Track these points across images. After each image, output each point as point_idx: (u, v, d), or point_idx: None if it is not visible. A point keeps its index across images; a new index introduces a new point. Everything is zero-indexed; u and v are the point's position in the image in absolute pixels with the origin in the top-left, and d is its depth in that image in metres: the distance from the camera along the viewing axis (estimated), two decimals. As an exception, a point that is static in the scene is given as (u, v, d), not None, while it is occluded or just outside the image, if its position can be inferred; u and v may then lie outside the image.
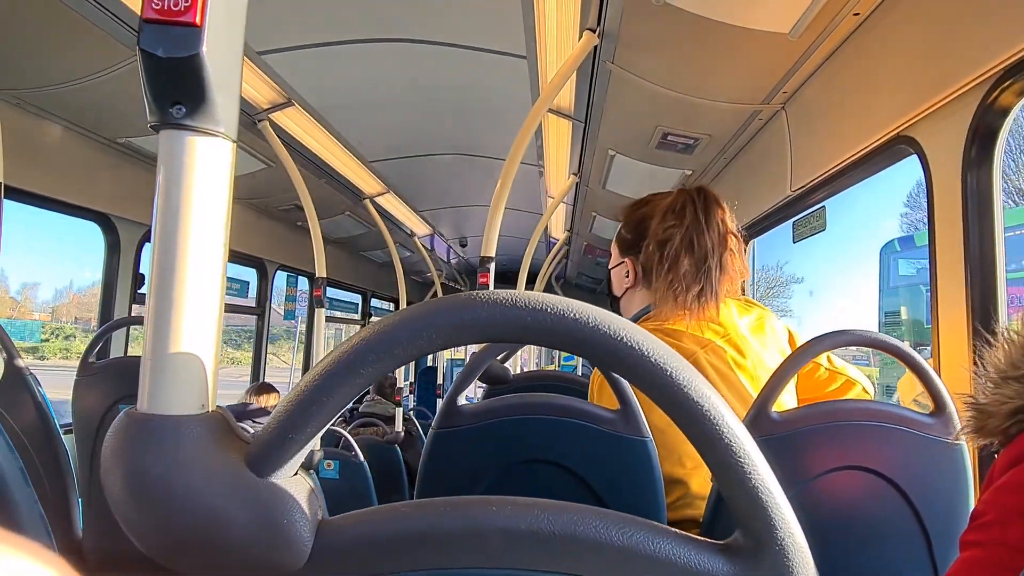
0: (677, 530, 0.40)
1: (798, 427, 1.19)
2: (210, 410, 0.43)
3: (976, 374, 0.72)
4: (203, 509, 0.39)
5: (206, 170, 0.43)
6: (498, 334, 0.40)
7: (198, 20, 0.40)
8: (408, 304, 5.42)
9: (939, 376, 1.24)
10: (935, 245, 1.47)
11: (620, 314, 1.61)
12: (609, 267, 1.66)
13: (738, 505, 0.39)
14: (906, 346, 1.16)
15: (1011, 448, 0.65)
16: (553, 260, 6.06)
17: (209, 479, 0.39)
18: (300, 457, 0.41)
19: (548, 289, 7.28)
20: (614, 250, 1.64)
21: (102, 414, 2.10)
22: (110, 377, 2.16)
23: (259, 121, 2.91)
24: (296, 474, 0.42)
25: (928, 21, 1.47)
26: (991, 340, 0.70)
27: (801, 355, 1.18)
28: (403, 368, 6.26)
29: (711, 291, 1.41)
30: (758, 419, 1.19)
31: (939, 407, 1.18)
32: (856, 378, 1.49)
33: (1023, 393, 0.65)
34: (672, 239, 1.45)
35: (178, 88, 0.41)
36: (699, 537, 0.40)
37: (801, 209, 2.35)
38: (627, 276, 1.58)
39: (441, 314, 0.39)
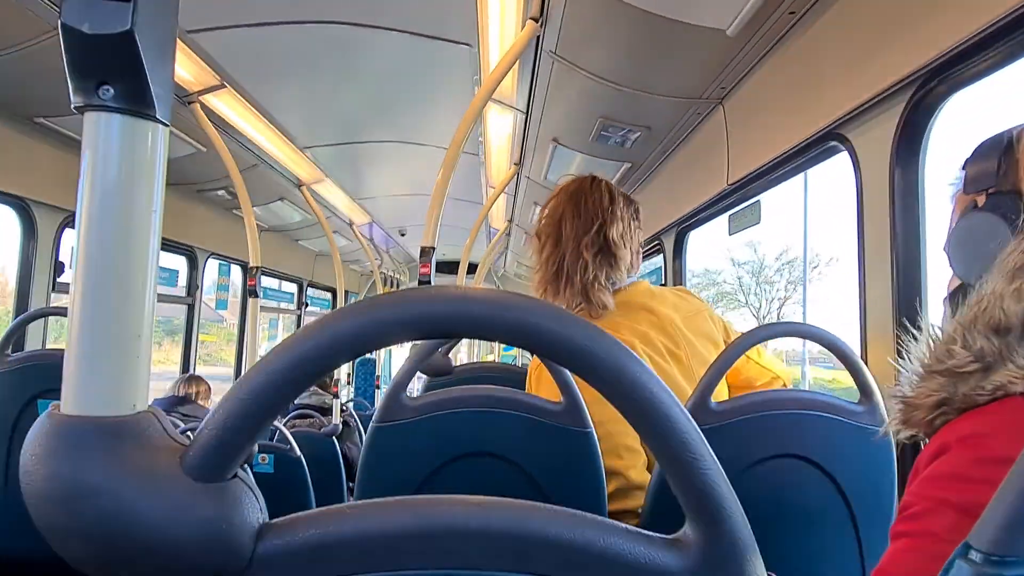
0: (627, 526, 0.40)
1: (735, 417, 1.22)
2: (142, 410, 0.40)
3: (901, 367, 0.74)
4: (137, 517, 0.36)
5: (136, 155, 0.40)
6: (453, 329, 0.39)
7: None
8: (345, 293, 5.33)
9: (867, 366, 1.29)
10: (863, 240, 1.53)
11: None
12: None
13: (688, 499, 0.39)
14: (835, 336, 1.20)
15: (935, 439, 0.67)
16: (493, 251, 6.06)
17: (143, 486, 0.37)
18: (239, 459, 0.39)
19: (487, 280, 7.28)
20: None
21: (18, 411, 1.99)
22: (27, 372, 2.05)
23: (189, 103, 2.79)
24: (235, 476, 0.40)
25: (860, 22, 1.51)
26: (916, 334, 0.73)
27: (738, 346, 1.21)
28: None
29: (577, 278, 1.47)
30: (698, 409, 1.21)
31: (866, 396, 1.23)
32: (780, 373, 1.57)
33: (947, 386, 0.67)
34: (543, 232, 1.54)
35: (105, 67, 0.38)
36: (648, 532, 0.40)
37: (737, 202, 2.41)
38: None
39: (400, 307, 0.38)
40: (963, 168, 0.82)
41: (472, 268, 6.23)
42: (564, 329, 0.38)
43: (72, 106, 0.39)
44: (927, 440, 0.70)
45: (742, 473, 1.22)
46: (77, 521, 0.36)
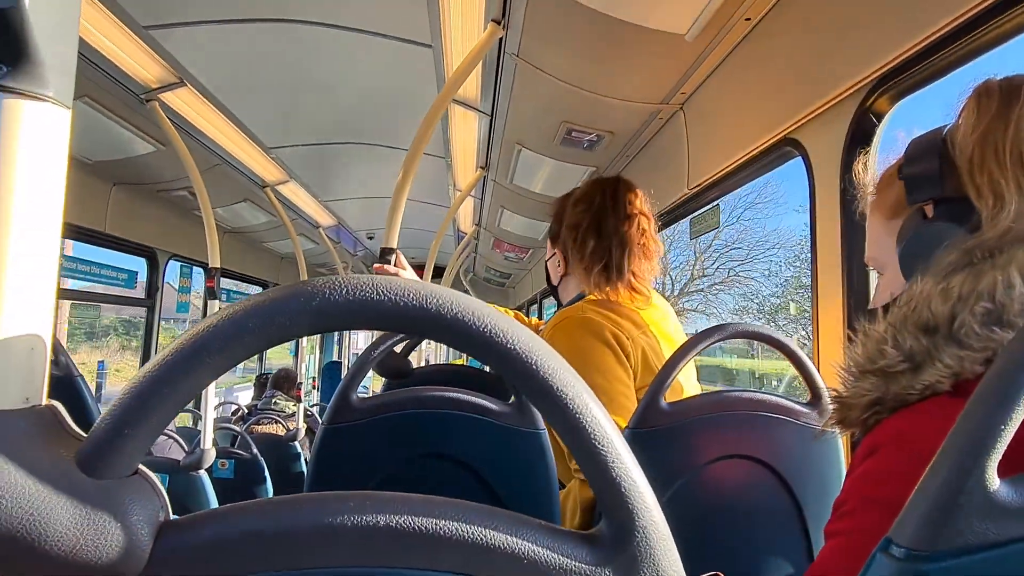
0: (540, 521, 0.39)
1: (687, 417, 1.23)
2: (37, 404, 0.39)
3: (841, 368, 0.75)
4: (21, 512, 0.35)
5: (34, 139, 0.38)
6: (366, 322, 0.38)
7: None
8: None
9: (818, 368, 1.30)
10: (816, 244, 1.55)
11: (559, 303, 1.70)
12: (545, 260, 1.81)
13: (602, 494, 0.39)
14: (785, 338, 1.22)
15: (868, 438, 0.68)
16: (461, 254, 6.04)
17: (30, 480, 0.35)
18: (138, 454, 0.37)
19: (456, 283, 7.25)
20: (548, 243, 1.79)
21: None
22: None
23: (147, 101, 2.74)
24: (135, 472, 0.38)
25: (813, 29, 1.54)
26: (852, 336, 0.74)
27: (690, 347, 1.22)
28: (305, 362, 6.08)
29: (613, 266, 1.56)
30: (649, 410, 1.22)
31: (815, 397, 1.24)
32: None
33: (879, 386, 0.68)
34: (581, 223, 1.60)
35: None
36: (562, 528, 0.39)
37: (698, 207, 2.43)
38: (558, 265, 1.72)
39: (295, 299, 0.37)
40: (901, 176, 0.80)
41: (440, 271, 6.21)
42: (473, 318, 0.37)
43: None
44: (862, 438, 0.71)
45: (693, 473, 1.22)
46: None
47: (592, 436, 0.38)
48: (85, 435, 0.38)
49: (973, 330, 0.62)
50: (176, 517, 0.39)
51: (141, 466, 0.39)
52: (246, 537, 0.37)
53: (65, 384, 1.74)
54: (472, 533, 0.38)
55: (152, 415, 0.36)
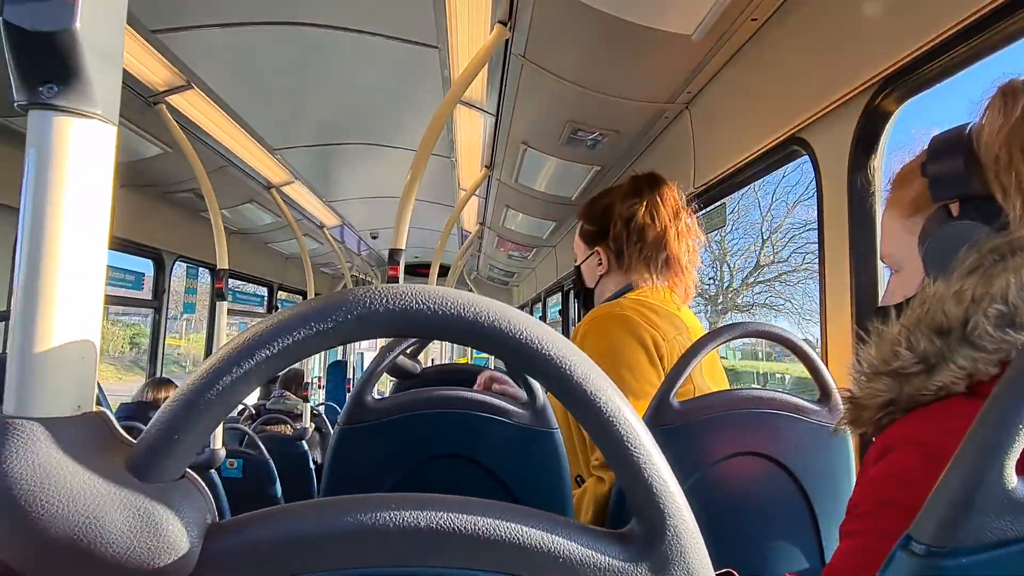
0: (572, 521, 0.40)
1: (698, 416, 1.24)
2: (88, 411, 0.40)
3: (854, 368, 0.76)
4: (77, 517, 0.36)
5: (82, 155, 0.39)
6: (405, 330, 0.39)
7: None
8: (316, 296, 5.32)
9: (826, 365, 1.31)
10: (823, 242, 1.56)
11: (591, 305, 1.70)
12: (577, 263, 1.79)
13: (634, 495, 0.40)
14: (795, 337, 1.23)
15: (881, 439, 0.69)
16: (465, 253, 6.06)
17: (84, 485, 0.37)
18: (187, 458, 0.39)
19: (460, 283, 7.28)
20: (579, 246, 1.77)
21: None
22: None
23: (155, 104, 2.75)
24: (184, 476, 0.40)
25: (820, 30, 1.55)
26: (864, 336, 0.75)
27: (701, 346, 1.23)
28: (311, 362, 6.11)
29: (673, 256, 1.60)
30: (660, 408, 1.23)
31: (825, 395, 1.25)
32: None
33: (893, 387, 0.69)
34: (636, 214, 1.61)
35: (48, 66, 0.38)
36: (596, 527, 0.41)
37: (703, 205, 2.44)
38: (599, 264, 1.69)
39: (337, 309, 0.38)
40: (924, 172, 0.80)
41: (444, 271, 6.23)
42: (509, 326, 0.38)
43: (15, 103, 0.39)
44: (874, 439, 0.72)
45: (705, 471, 1.23)
46: (15, 520, 0.36)
47: (625, 439, 0.39)
48: (133, 441, 0.39)
49: (987, 332, 0.63)
50: (223, 520, 0.40)
51: (188, 470, 0.40)
52: (291, 539, 0.39)
53: None
54: (509, 532, 0.39)
55: (201, 420, 0.38)
